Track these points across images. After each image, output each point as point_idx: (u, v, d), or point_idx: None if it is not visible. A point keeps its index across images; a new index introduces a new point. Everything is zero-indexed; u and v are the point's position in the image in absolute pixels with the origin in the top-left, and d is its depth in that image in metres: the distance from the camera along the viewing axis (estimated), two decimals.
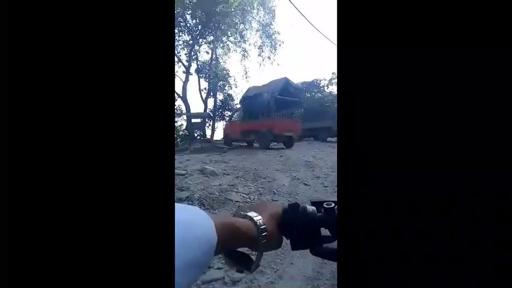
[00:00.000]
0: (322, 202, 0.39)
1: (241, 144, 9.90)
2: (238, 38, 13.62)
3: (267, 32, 14.27)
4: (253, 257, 0.35)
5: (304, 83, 22.88)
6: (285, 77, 8.89)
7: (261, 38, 14.57)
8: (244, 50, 14.48)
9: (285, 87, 8.65)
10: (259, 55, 14.97)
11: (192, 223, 0.26)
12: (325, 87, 23.42)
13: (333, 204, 0.38)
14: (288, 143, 8.63)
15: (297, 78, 28.61)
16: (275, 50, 14.75)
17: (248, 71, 16.94)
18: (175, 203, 0.26)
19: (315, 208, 0.39)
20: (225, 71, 16.24)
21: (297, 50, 60.45)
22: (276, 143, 8.88)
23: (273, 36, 14.49)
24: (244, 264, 0.36)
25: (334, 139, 11.74)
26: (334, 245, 0.37)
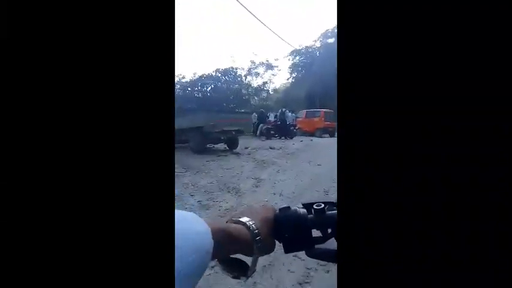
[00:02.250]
0: (313, 204, 0.40)
1: None
2: None
3: None
4: (248, 263, 0.35)
5: (217, 70, 20.29)
6: None
7: None
8: None
9: None
10: None
11: (189, 230, 0.27)
12: (244, 78, 21.13)
13: (323, 205, 0.40)
14: None
15: (210, 65, 25.45)
16: None
17: None
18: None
19: (305, 210, 0.40)
20: None
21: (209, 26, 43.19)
22: None
23: None
24: (240, 270, 0.36)
25: (223, 146, 7.19)
26: (326, 245, 0.39)
